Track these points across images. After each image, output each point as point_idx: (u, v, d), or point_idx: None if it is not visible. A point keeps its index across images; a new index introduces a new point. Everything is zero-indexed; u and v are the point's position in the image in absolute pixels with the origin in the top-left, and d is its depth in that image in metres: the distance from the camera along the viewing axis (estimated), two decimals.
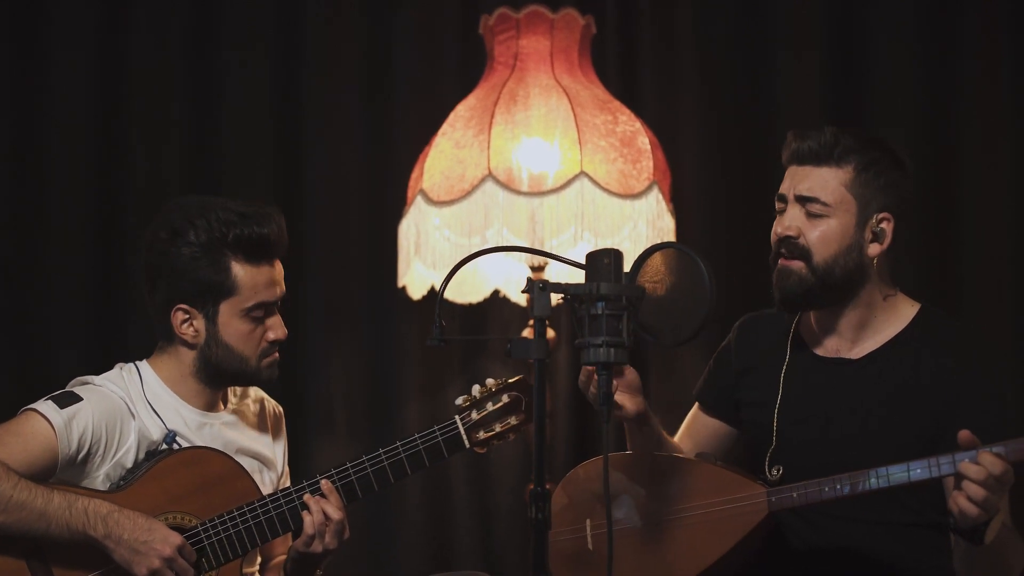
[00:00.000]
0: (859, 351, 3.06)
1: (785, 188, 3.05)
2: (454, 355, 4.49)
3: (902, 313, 3.06)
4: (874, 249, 3.02)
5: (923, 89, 4.45)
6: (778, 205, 3.06)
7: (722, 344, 3.28)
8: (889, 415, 2.97)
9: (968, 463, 2.64)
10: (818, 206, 2.99)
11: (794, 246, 3.00)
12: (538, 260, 3.98)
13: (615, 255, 2.54)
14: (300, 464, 3.31)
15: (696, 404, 3.31)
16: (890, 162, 3.03)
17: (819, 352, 3.10)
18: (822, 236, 2.98)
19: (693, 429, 3.30)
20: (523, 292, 2.55)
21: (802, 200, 3.00)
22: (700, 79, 4.50)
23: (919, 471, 2.73)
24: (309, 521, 2.97)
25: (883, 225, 3.02)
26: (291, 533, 3.22)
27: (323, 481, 3.00)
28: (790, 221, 3.01)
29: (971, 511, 2.65)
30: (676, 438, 3.30)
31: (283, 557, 3.24)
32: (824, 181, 3.00)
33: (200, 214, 3.03)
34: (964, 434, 2.66)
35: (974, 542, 2.73)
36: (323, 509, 2.98)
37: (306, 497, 2.98)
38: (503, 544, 4.42)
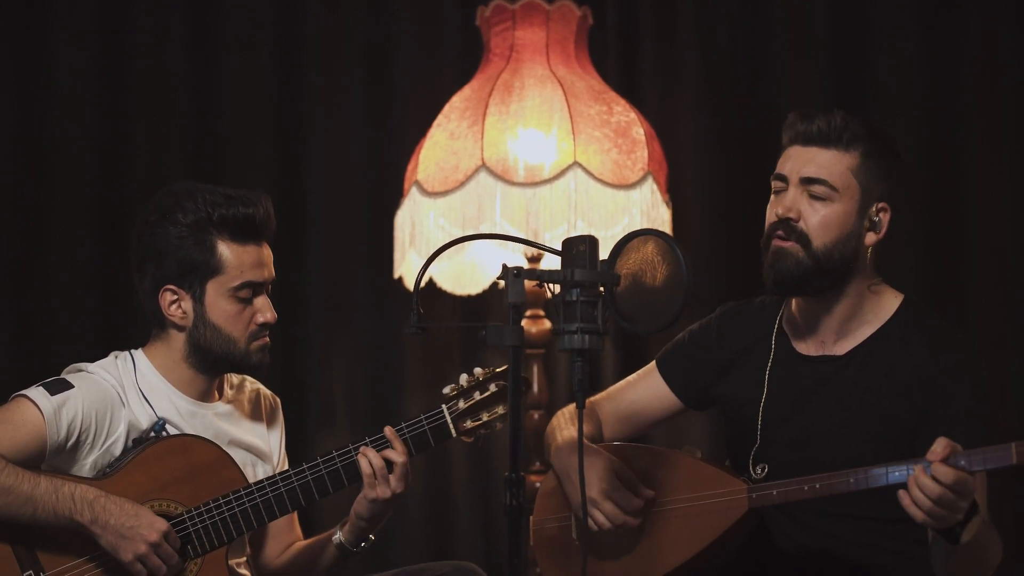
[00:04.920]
0: (843, 346, 3.02)
1: (787, 169, 2.99)
2: (453, 346, 4.52)
3: (885, 305, 3.03)
4: (870, 238, 2.99)
5: (924, 86, 4.45)
6: (776, 185, 3.01)
7: (701, 322, 3.24)
8: (872, 412, 2.95)
9: (920, 472, 2.62)
10: (824, 188, 2.94)
11: (792, 229, 2.95)
12: (534, 250, 3.99)
13: (590, 241, 2.53)
14: (301, 454, 3.32)
15: (654, 364, 3.27)
16: (891, 153, 3.01)
17: (803, 349, 3.06)
18: (823, 220, 2.94)
19: (640, 385, 3.27)
20: (498, 279, 2.56)
21: (807, 181, 2.95)
22: (700, 72, 4.51)
23: (896, 474, 2.71)
24: (366, 463, 3.00)
25: (881, 215, 2.99)
26: (289, 522, 3.27)
27: (387, 428, 3.03)
28: (791, 203, 2.96)
29: (917, 515, 2.63)
30: (616, 387, 3.31)
31: (302, 543, 3.28)
32: (831, 164, 2.95)
33: (188, 196, 3.07)
34: (941, 442, 2.63)
35: (949, 541, 2.70)
36: (387, 456, 3.01)
37: (363, 449, 3.01)
38: (503, 534, 4.41)
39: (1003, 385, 4.27)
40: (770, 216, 3.01)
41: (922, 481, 2.61)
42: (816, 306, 3.03)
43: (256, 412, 3.26)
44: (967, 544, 2.70)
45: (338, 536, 3.14)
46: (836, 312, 3.01)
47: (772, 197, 3.03)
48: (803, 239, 2.95)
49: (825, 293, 3.00)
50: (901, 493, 2.66)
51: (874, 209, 2.98)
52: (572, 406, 3.31)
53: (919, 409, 2.89)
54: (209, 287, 3.06)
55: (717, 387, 3.18)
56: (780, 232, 2.96)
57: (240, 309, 3.08)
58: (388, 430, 3.04)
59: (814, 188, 2.95)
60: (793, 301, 3.09)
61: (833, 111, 2.99)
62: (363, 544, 3.14)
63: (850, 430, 2.95)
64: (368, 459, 3.01)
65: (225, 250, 3.06)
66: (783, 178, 3.00)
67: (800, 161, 2.98)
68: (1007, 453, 2.61)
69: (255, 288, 3.09)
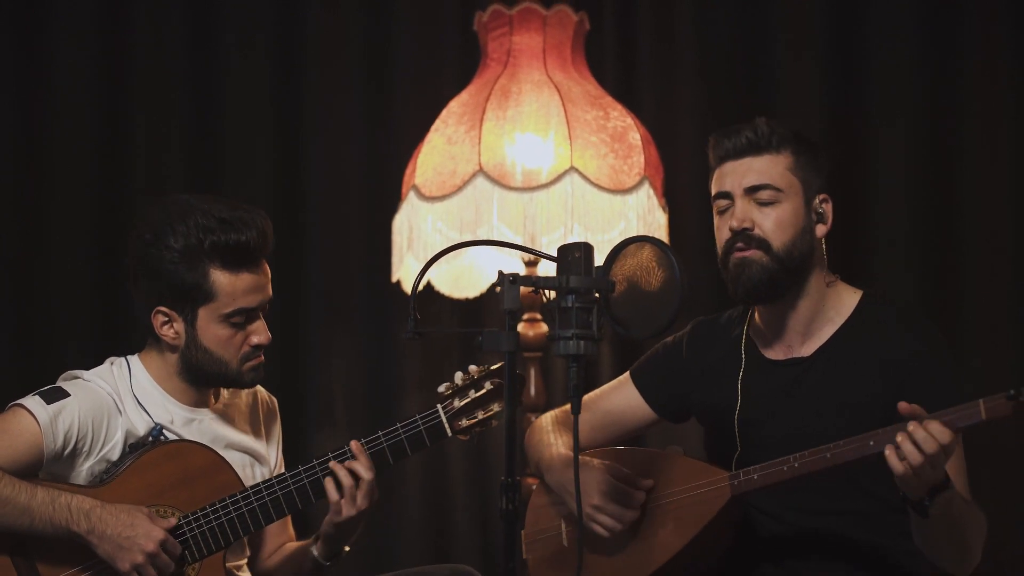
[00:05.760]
0: (809, 347, 3.06)
1: (727, 185, 3.04)
2: (452, 347, 4.52)
3: (846, 302, 3.08)
4: (820, 230, 3.06)
5: (924, 86, 4.45)
6: (720, 204, 3.07)
7: (674, 336, 3.27)
8: (844, 407, 2.97)
9: (915, 425, 2.66)
10: (770, 192, 3.01)
11: (750, 238, 3.00)
12: (531, 255, 3.99)
13: (585, 248, 2.54)
14: (300, 456, 3.32)
15: (628, 375, 3.30)
16: (816, 147, 3.08)
17: (771, 355, 3.11)
18: (777, 222, 3.00)
19: (614, 396, 3.30)
20: (494, 285, 2.56)
21: (752, 190, 3.02)
22: (698, 76, 4.52)
23: (872, 444, 2.75)
24: (333, 488, 2.99)
25: (824, 206, 3.07)
26: (282, 523, 3.27)
27: (353, 442, 3.02)
28: (743, 214, 3.01)
29: (899, 468, 2.66)
30: (590, 397, 3.31)
31: (292, 545, 3.28)
32: (770, 167, 3.02)
33: (181, 218, 3.01)
34: (903, 405, 2.69)
35: (919, 514, 2.74)
36: (353, 469, 3.00)
37: (332, 464, 3.00)
38: (500, 537, 4.42)
39: (1003, 384, 4.26)
40: (723, 234, 3.06)
41: (911, 429, 2.66)
42: (780, 309, 3.07)
43: (253, 414, 3.26)
44: (940, 518, 2.74)
45: (312, 551, 3.14)
46: (800, 312, 3.06)
47: (717, 219, 3.09)
48: (763, 245, 3.00)
49: (788, 294, 3.05)
50: (887, 450, 2.69)
51: (817, 201, 3.06)
52: (551, 415, 3.35)
53: (896, 397, 2.88)
54: (201, 312, 3.04)
55: (692, 398, 3.22)
56: (739, 244, 3.02)
57: (232, 333, 3.06)
58: (354, 444, 3.03)
59: (760, 194, 3.02)
60: (757, 310, 3.14)
61: (754, 120, 3.07)
62: (337, 557, 3.14)
63: (825, 427, 2.95)
64: (339, 479, 3.00)
65: (218, 278, 3.01)
66: (726, 195, 3.06)
67: (738, 174, 3.04)
68: (975, 410, 2.67)
69: (248, 313, 3.06)
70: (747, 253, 3.00)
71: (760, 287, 3.00)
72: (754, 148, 3.03)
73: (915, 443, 2.65)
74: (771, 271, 2.99)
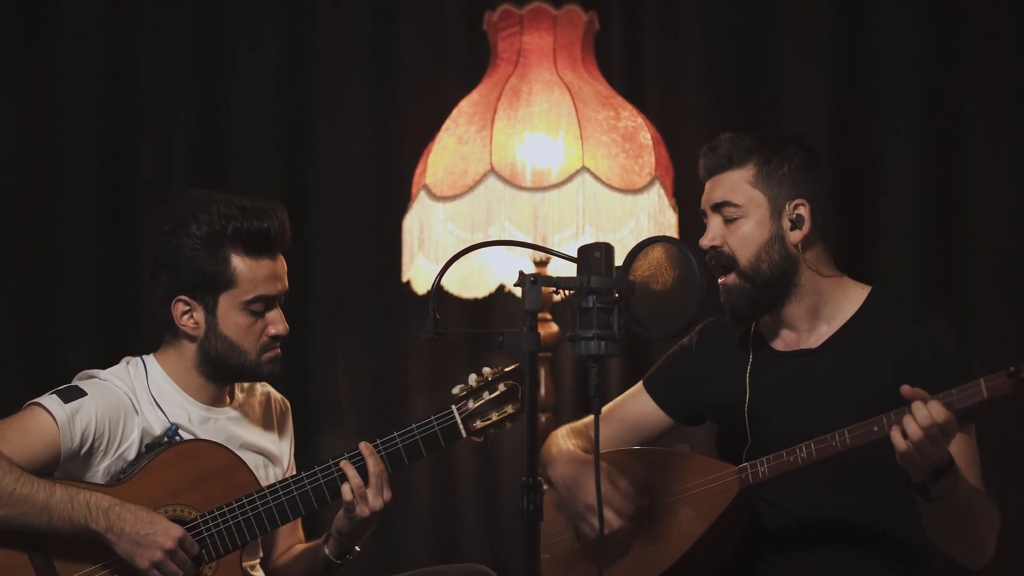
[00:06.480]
0: (816, 339, 3.10)
1: (703, 204, 3.16)
2: (459, 348, 4.53)
3: (853, 296, 3.11)
4: (796, 236, 3.07)
5: (924, 86, 4.46)
6: (704, 222, 3.16)
7: (682, 341, 3.32)
8: (852, 398, 2.99)
9: (917, 404, 2.70)
10: (731, 208, 3.08)
11: (719, 255, 3.09)
12: (541, 255, 4.00)
13: (606, 249, 2.56)
14: (306, 457, 3.33)
15: (642, 384, 3.34)
16: (794, 152, 3.10)
17: (779, 347, 3.14)
18: (741, 238, 3.07)
19: (629, 406, 3.34)
20: (515, 285, 2.58)
21: (717, 208, 3.10)
22: (704, 76, 4.53)
23: (876, 429, 2.79)
24: (347, 488, 3.00)
25: (799, 211, 3.08)
26: (293, 524, 3.27)
27: (362, 444, 3.04)
28: (712, 232, 3.11)
29: (900, 446, 2.70)
30: (606, 409, 3.34)
31: (301, 546, 3.30)
32: (731, 184, 3.10)
33: (203, 207, 3.05)
34: (906, 389, 2.72)
35: (923, 497, 2.77)
36: (366, 467, 3.02)
37: (343, 464, 3.02)
38: (509, 537, 4.44)
39: None
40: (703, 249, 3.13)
41: (917, 409, 2.69)
42: (777, 312, 3.12)
43: (267, 415, 3.27)
44: (945, 503, 2.77)
45: (324, 550, 3.15)
46: (799, 310, 3.10)
47: None
48: (731, 261, 3.08)
49: (777, 303, 3.10)
50: (892, 430, 2.72)
51: (789, 208, 3.08)
52: (566, 425, 3.38)
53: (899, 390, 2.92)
54: (222, 300, 3.07)
55: (703, 398, 3.25)
56: (712, 262, 3.10)
57: (252, 322, 3.09)
58: (363, 446, 3.05)
59: (724, 211, 3.10)
60: None
61: (719, 137, 3.14)
62: (348, 556, 3.15)
63: (833, 417, 2.96)
64: (348, 480, 3.02)
65: (239, 264, 3.05)
66: (703, 213, 3.16)
67: (708, 192, 3.15)
68: (976, 389, 2.71)
69: (267, 302, 3.09)
70: (726, 280, 3.09)
71: (742, 310, 3.09)
72: (720, 166, 3.13)
73: (915, 420, 2.69)
74: (747, 294, 3.07)
